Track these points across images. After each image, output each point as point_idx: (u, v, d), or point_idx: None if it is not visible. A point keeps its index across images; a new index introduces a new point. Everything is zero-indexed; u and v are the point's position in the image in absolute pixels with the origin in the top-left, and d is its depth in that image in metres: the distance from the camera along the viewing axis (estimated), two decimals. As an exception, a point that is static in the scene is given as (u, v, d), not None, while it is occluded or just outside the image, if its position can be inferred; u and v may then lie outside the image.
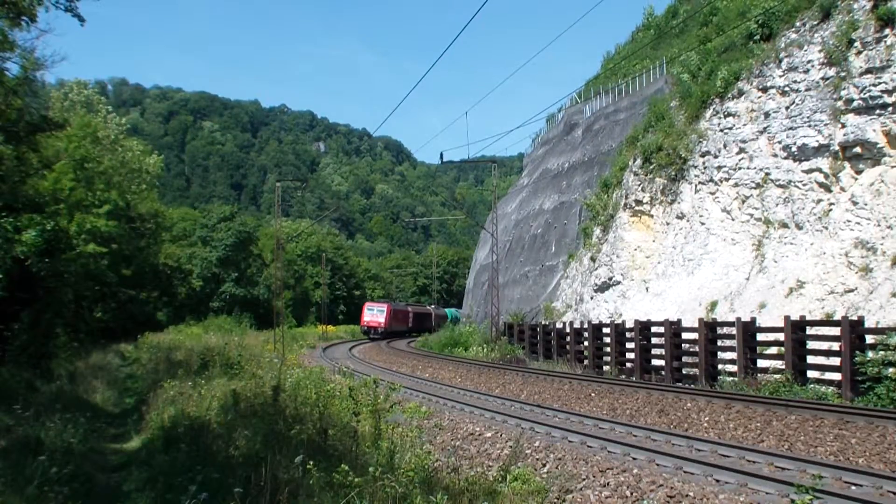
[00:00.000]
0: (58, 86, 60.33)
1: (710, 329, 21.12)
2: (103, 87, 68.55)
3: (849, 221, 21.59)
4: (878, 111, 21.18)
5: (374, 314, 66.42)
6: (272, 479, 7.32)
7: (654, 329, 23.90)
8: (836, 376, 16.88)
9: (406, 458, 8.97)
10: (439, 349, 42.08)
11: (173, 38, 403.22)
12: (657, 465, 10.30)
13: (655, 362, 23.61)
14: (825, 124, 23.02)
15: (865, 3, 22.17)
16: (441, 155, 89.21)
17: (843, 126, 22.22)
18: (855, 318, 17.37)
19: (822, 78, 23.42)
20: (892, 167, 21.00)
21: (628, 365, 24.90)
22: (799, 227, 23.58)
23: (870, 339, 16.48)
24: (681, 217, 29.71)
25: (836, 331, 17.10)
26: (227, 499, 6.94)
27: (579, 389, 20.30)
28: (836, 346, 16.96)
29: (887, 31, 21.06)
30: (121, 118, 60.40)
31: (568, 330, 30.24)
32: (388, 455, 8.80)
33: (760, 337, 19.90)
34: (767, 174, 25.31)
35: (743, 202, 26.46)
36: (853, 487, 8.89)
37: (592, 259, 35.53)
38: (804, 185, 23.70)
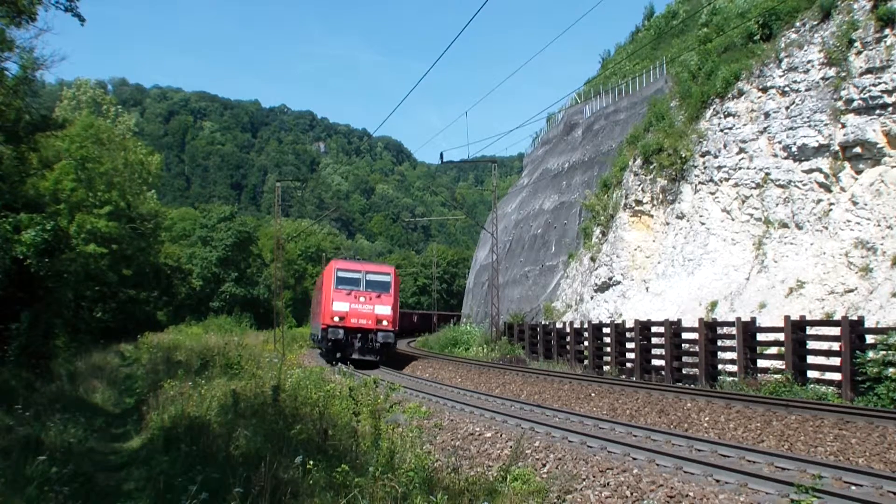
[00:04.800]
0: (69, 85, 60.48)
1: (710, 329, 21.12)
2: (103, 87, 68.61)
3: (849, 221, 21.59)
4: (878, 111, 21.18)
5: (364, 298, 29.53)
6: (272, 479, 7.32)
7: (654, 329, 23.90)
8: (836, 376, 16.88)
9: (406, 458, 8.97)
10: (439, 349, 42.10)
11: (173, 38, 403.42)
12: (657, 465, 10.30)
13: (655, 362, 23.61)
14: (825, 124, 23.02)
15: (865, 3, 22.17)
16: (441, 155, 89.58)
17: (843, 126, 22.22)
18: (855, 318, 17.36)
19: (822, 78, 23.42)
20: (892, 167, 20.99)
21: (628, 365, 24.90)
22: (799, 227, 23.58)
23: (870, 338, 16.47)
24: (681, 217, 29.71)
25: (836, 331, 17.09)
26: (227, 499, 6.94)
27: (579, 389, 20.29)
28: (836, 346, 16.95)
29: (887, 31, 21.06)
30: (129, 118, 60.65)
31: (568, 330, 30.24)
32: (388, 455, 8.80)
33: (760, 337, 19.90)
34: (767, 174, 25.32)
35: (743, 202, 26.46)
36: (853, 487, 8.88)
37: (592, 259, 35.53)
38: (804, 185, 23.70)
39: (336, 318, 29.07)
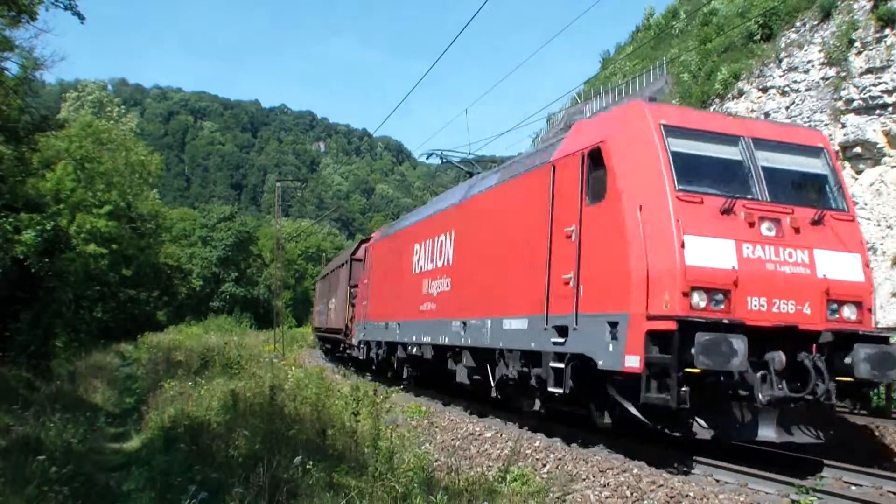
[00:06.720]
0: (73, 86, 60.73)
1: (710, 329, 21.08)
2: (103, 87, 68.80)
3: (849, 221, 21.57)
4: (878, 111, 21.18)
5: (776, 229, 8.48)
6: (271, 479, 7.32)
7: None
8: (836, 376, 16.84)
9: (406, 459, 8.97)
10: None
11: (173, 38, 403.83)
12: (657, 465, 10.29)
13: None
14: (825, 124, 23.01)
15: (865, 3, 22.17)
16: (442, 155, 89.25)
17: (843, 126, 22.22)
18: (855, 318, 17.32)
19: (822, 78, 23.42)
20: (892, 167, 21.01)
21: (628, 365, 24.86)
22: (799, 227, 23.57)
23: (870, 339, 16.44)
24: (681, 217, 29.69)
25: (836, 331, 17.04)
26: (226, 499, 6.94)
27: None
28: (836, 346, 16.92)
29: (887, 31, 21.06)
30: (131, 119, 60.81)
31: (568, 330, 30.15)
32: (388, 455, 8.79)
33: (760, 337, 19.86)
34: (767, 174, 25.30)
35: (743, 202, 26.44)
36: (853, 487, 8.88)
37: (592, 259, 35.50)
38: (804, 185, 23.70)
39: (698, 298, 8.29)
